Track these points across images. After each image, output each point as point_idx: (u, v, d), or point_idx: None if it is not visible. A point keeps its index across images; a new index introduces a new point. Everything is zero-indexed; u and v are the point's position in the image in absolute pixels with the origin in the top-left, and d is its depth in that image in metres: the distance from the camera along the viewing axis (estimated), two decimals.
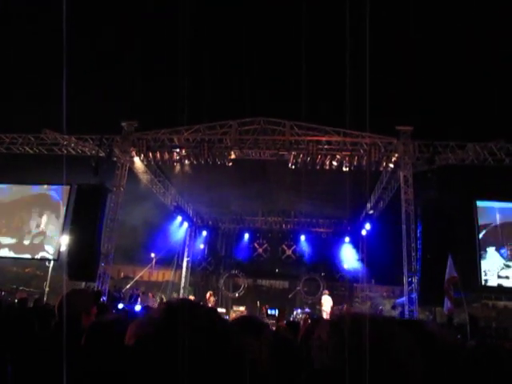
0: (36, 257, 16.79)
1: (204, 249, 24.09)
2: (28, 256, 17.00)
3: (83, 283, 14.22)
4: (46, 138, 15.92)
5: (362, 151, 14.44)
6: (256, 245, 23.25)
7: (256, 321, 2.09)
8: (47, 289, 16.23)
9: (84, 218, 14.26)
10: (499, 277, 15.11)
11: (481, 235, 15.31)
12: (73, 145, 15.93)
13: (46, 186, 17.22)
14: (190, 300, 1.20)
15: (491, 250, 15.24)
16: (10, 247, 16.81)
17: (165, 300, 18.70)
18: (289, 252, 23.02)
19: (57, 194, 16.95)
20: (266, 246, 23.14)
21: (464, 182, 16.16)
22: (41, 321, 4.08)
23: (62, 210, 16.48)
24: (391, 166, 14.62)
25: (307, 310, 18.46)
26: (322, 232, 22.91)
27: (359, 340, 1.08)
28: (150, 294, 19.02)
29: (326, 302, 17.56)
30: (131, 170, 16.12)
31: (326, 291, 18.43)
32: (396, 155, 14.40)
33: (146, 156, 15.25)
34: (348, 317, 1.18)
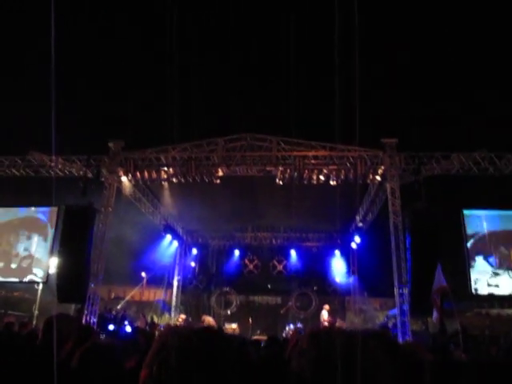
0: (24, 280, 16.62)
1: (195, 267, 23.99)
2: (16, 279, 16.83)
3: (73, 305, 14.08)
4: (33, 160, 15.86)
5: (348, 165, 14.55)
6: (247, 261, 23.21)
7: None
8: (36, 312, 16.04)
9: (73, 239, 14.14)
10: (489, 285, 15.21)
11: (469, 244, 15.44)
12: (60, 166, 15.88)
13: (33, 209, 17.12)
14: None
15: (480, 259, 15.36)
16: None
17: (156, 320, 18.56)
18: (280, 267, 23.00)
19: (44, 215, 16.85)
20: (256, 262, 23.11)
21: (450, 192, 16.32)
22: (26, 344, 4.06)
23: (50, 231, 16.38)
24: (378, 178, 14.73)
25: (299, 325, 18.39)
26: (313, 246, 22.94)
27: (332, 349, 1.13)
28: (140, 315, 18.85)
29: (325, 317, 17.61)
30: (119, 190, 16.08)
31: (326, 306, 18.43)
32: (382, 168, 14.52)
33: (134, 175, 15.24)
34: (324, 329, 1.24)
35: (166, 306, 22.56)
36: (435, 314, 11.13)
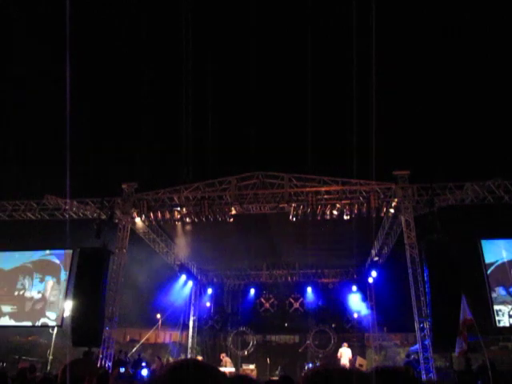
0: (37, 324, 16.50)
1: (210, 307, 23.71)
2: (29, 323, 16.72)
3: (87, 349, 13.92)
4: (48, 204, 16.06)
5: (361, 198, 14.49)
6: (263, 299, 22.90)
7: (248, 379, 2.12)
8: (51, 357, 15.84)
9: (87, 281, 14.11)
10: (510, 316, 14.77)
11: (489, 272, 15.10)
12: (74, 209, 16.05)
13: (48, 251, 17.17)
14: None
15: (500, 289, 14.98)
16: (11, 315, 16.56)
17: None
18: (296, 305, 22.63)
19: (58, 258, 16.89)
20: (272, 300, 22.78)
21: (466, 222, 16.11)
22: None
23: (64, 274, 16.38)
24: (392, 211, 14.62)
25: (319, 364, 17.94)
26: (329, 282, 22.60)
27: None
28: (156, 358, 18.55)
29: (345, 355, 17.20)
30: (133, 231, 16.14)
31: (345, 343, 18.05)
32: (396, 200, 14.44)
33: (147, 216, 15.32)
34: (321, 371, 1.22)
35: (175, 349, 22.16)
36: (463, 346, 10.74)
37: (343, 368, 1.21)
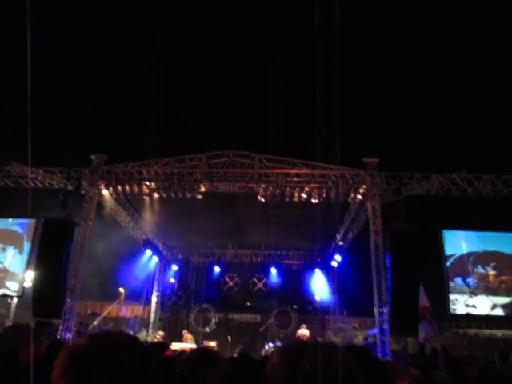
0: None
1: (174, 283, 23.72)
2: None
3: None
4: (13, 171, 15.61)
5: (330, 183, 14.64)
6: (227, 278, 23.05)
7: (210, 352, 2.15)
8: None
9: (50, 252, 13.88)
10: (467, 306, 15.33)
11: (448, 264, 15.59)
12: (40, 178, 15.65)
13: (10, 220, 16.79)
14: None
15: (458, 280, 15.51)
16: None
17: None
18: (260, 285, 22.88)
19: (21, 228, 16.54)
20: (236, 279, 22.96)
21: (430, 212, 16.50)
22: None
23: (27, 244, 16.07)
24: (359, 197, 14.85)
25: (279, 343, 18.25)
26: (293, 264, 22.91)
27: (304, 362, 1.12)
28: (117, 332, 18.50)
29: (303, 336, 17.50)
30: (100, 204, 15.91)
31: (304, 325, 18.36)
32: (363, 187, 14.65)
33: (115, 189, 15.12)
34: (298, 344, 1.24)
35: (137, 323, 22.11)
36: (426, 333, 11.16)
37: (317, 342, 1.24)
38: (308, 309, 22.59)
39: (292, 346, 1.21)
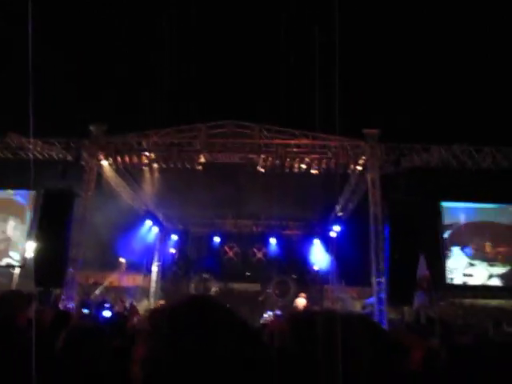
0: (0, 264, 16.41)
1: (174, 253, 23.94)
2: None
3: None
4: (11, 142, 15.56)
5: (330, 154, 14.65)
6: (226, 248, 23.27)
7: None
8: None
9: (51, 222, 13.99)
10: (464, 275, 15.55)
11: (446, 235, 15.74)
12: (39, 149, 15.61)
13: (10, 191, 16.84)
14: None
15: (456, 249, 15.68)
16: None
17: (135, 305, 18.51)
18: (259, 255, 23.10)
19: (22, 198, 16.61)
20: (236, 249, 23.18)
21: (430, 184, 16.53)
22: None
23: (28, 215, 16.16)
24: (359, 168, 14.88)
25: (278, 312, 18.53)
26: (293, 234, 23.08)
27: (313, 329, 1.15)
28: (119, 301, 18.77)
29: (300, 304, 17.72)
30: (100, 174, 15.92)
31: (303, 294, 18.56)
32: (363, 158, 14.66)
33: (115, 160, 15.13)
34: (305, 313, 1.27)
35: (138, 292, 22.37)
36: (421, 301, 11.38)
37: (328, 310, 1.28)
38: (307, 278, 22.84)
39: (301, 315, 1.25)
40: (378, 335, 1.37)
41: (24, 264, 15.84)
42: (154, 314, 1.12)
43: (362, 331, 1.25)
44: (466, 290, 18.84)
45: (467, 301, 24.40)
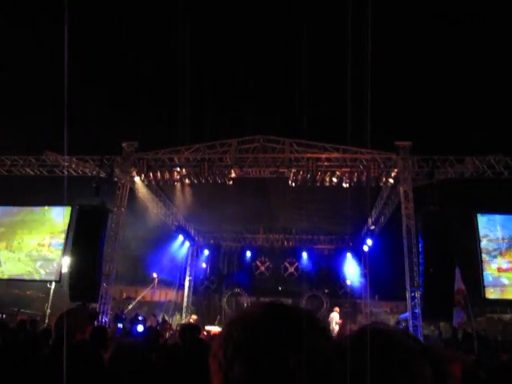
0: (36, 278, 16.78)
1: (206, 268, 24.03)
2: (28, 278, 16.99)
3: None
4: (47, 160, 16.00)
5: (361, 167, 14.50)
6: (258, 263, 23.21)
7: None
8: (49, 311, 16.14)
9: (85, 238, 14.25)
10: (501, 290, 15.05)
11: (483, 248, 15.29)
12: (73, 166, 16.01)
13: (47, 208, 17.26)
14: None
15: (492, 263, 15.21)
16: (10, 269, 16.82)
17: (167, 320, 18.61)
18: (291, 269, 22.95)
19: (58, 215, 16.99)
20: (268, 263, 23.10)
21: (464, 196, 16.18)
22: (38, 342, 4.12)
23: (63, 231, 16.50)
24: (391, 181, 14.66)
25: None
26: (324, 248, 22.87)
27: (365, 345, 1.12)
28: (151, 315, 18.91)
29: (334, 319, 17.45)
30: (132, 190, 16.17)
31: (337, 308, 18.27)
32: (395, 170, 14.45)
33: (147, 176, 15.32)
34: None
35: (170, 307, 22.46)
36: (460, 318, 11.09)
37: (374, 325, 1.23)
38: (339, 293, 22.56)
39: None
40: (426, 350, 1.32)
41: (60, 279, 16.13)
42: (230, 326, 1.05)
43: (413, 345, 1.20)
44: (504, 305, 18.26)
45: (507, 316, 23.65)
